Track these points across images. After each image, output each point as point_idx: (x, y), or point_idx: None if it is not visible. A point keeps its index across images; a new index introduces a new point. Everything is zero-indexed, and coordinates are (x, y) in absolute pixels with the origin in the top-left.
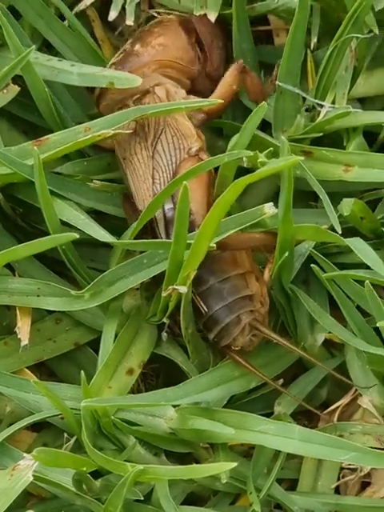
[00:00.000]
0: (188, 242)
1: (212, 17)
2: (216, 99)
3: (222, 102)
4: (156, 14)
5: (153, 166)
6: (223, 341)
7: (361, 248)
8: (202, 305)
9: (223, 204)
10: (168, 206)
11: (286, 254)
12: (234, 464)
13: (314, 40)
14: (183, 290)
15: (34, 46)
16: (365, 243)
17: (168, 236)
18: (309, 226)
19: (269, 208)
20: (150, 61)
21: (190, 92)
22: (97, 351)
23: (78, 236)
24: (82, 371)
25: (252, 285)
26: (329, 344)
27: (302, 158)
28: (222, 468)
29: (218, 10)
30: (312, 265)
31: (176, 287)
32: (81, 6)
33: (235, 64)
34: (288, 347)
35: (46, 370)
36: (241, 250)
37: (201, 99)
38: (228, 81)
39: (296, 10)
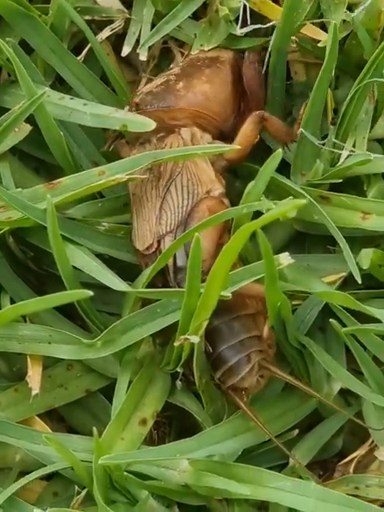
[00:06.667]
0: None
1: None
2: (235, 146)
3: (240, 148)
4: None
5: (161, 206)
6: (230, 380)
7: None
8: (208, 345)
9: (229, 253)
10: (178, 253)
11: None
12: None
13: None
14: (195, 339)
15: (46, 90)
16: None
17: (177, 283)
18: (337, 293)
19: (284, 258)
20: (186, 108)
21: (217, 137)
22: (109, 397)
23: (92, 294)
24: (95, 428)
25: (260, 326)
26: (345, 392)
27: (304, 202)
28: None
29: None
30: (331, 320)
31: (188, 337)
32: (98, 39)
33: (253, 116)
34: (300, 387)
35: (56, 416)
36: (253, 297)
37: (220, 145)
38: (246, 132)
39: (325, 59)
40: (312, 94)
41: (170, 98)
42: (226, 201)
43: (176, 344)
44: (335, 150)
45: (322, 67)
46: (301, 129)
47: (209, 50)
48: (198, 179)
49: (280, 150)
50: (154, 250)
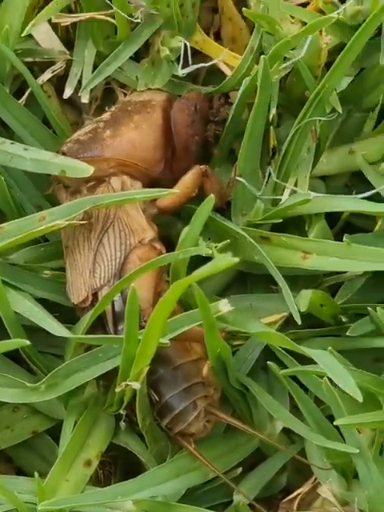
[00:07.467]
0: (140, 338)
1: None
2: (172, 190)
3: (176, 193)
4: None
5: (94, 259)
6: (177, 427)
7: (328, 362)
8: (153, 394)
9: (166, 304)
10: (116, 302)
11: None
12: None
13: (273, 111)
14: (136, 385)
15: None
16: (332, 357)
17: (116, 329)
18: (275, 334)
19: (224, 305)
20: (112, 157)
21: (148, 184)
22: (56, 438)
23: (28, 343)
24: (36, 473)
25: (204, 371)
26: (289, 430)
27: (236, 260)
28: None
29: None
30: (269, 362)
31: (129, 383)
32: (39, 81)
33: (196, 168)
34: (246, 431)
35: (4, 456)
36: (194, 341)
37: (158, 189)
38: (186, 183)
39: (257, 91)
40: (247, 129)
41: (96, 148)
42: (158, 244)
43: (117, 390)
44: (275, 194)
45: (256, 101)
46: (238, 178)
47: (144, 92)
48: (130, 229)
49: (212, 196)
50: (89, 303)
